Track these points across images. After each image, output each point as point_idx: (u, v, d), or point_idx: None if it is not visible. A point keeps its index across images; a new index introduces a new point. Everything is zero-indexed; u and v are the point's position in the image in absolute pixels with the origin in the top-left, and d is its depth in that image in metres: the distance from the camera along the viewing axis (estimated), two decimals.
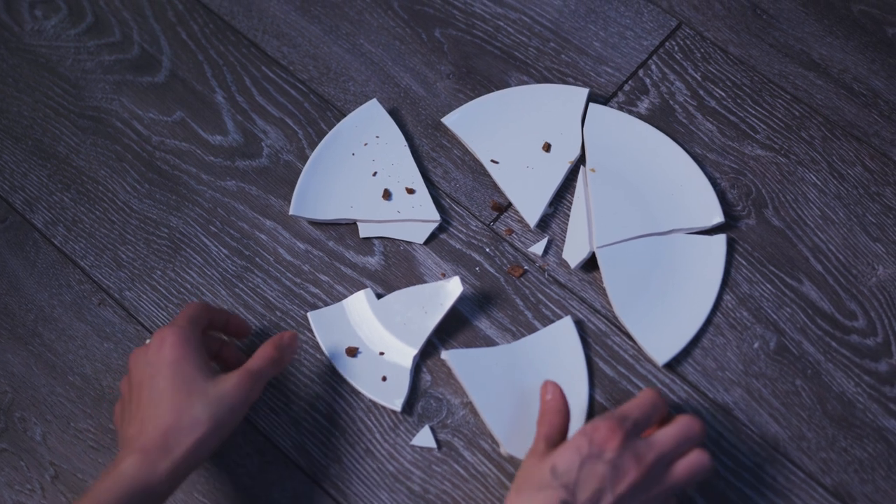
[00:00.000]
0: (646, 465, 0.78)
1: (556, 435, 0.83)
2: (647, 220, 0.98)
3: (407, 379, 0.92)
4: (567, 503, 0.75)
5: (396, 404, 0.91)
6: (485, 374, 0.91)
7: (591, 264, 0.97)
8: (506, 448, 0.88)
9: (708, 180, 0.99)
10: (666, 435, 0.80)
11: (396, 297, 0.95)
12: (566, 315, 0.95)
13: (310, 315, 0.95)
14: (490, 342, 0.94)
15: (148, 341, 0.90)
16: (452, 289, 0.93)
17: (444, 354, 0.92)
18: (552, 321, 0.95)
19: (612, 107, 1.05)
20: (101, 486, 0.76)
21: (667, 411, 0.84)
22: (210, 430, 0.79)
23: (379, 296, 0.96)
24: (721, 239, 0.97)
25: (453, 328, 0.95)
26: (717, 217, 0.97)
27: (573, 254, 0.97)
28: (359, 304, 0.95)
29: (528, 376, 0.91)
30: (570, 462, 0.77)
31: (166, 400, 0.79)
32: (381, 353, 0.93)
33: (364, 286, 0.97)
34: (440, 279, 0.98)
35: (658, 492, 0.79)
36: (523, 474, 0.80)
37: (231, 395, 0.81)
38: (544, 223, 1.00)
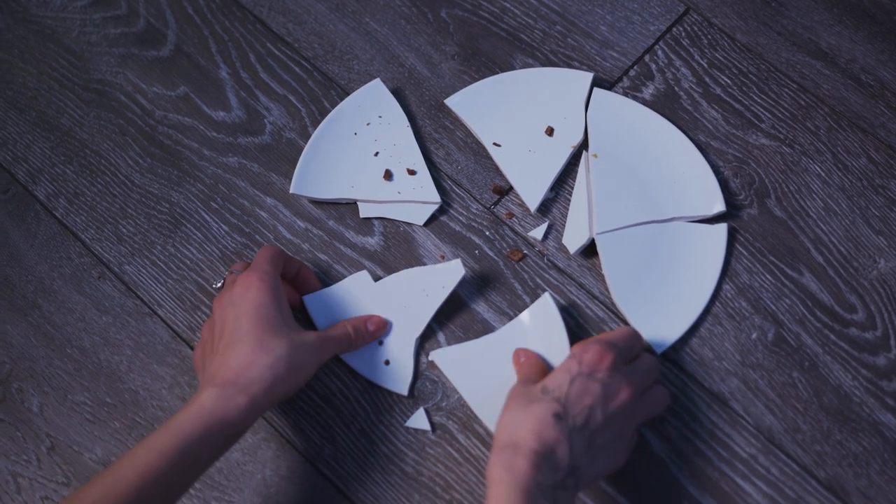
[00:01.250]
0: (634, 388, 0.80)
1: (535, 376, 0.83)
2: (648, 207, 0.96)
3: (411, 363, 0.91)
4: (559, 416, 0.75)
5: (403, 389, 0.90)
6: (473, 368, 0.89)
7: (590, 250, 0.96)
8: None
9: (711, 169, 0.97)
10: (642, 365, 0.83)
11: (396, 280, 0.94)
12: (545, 292, 0.92)
13: (304, 298, 0.93)
14: (487, 326, 0.93)
15: (217, 284, 0.94)
16: (455, 271, 0.91)
17: (432, 355, 0.90)
18: None
19: (616, 92, 1.03)
20: (180, 417, 0.76)
21: (642, 349, 0.86)
22: (286, 370, 0.79)
23: (376, 277, 0.94)
24: (722, 228, 0.95)
25: (451, 311, 0.93)
26: (719, 206, 0.95)
27: (573, 239, 0.95)
28: (355, 286, 0.93)
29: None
30: (561, 380, 0.78)
31: (249, 338, 0.80)
32: (380, 342, 0.91)
33: (363, 266, 0.96)
34: (439, 261, 0.96)
35: (637, 418, 0.82)
36: (510, 396, 0.80)
37: (309, 346, 0.82)
38: (545, 208, 0.98)
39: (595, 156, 0.98)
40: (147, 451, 0.74)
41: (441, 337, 0.92)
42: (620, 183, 0.97)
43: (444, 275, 0.92)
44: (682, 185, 0.97)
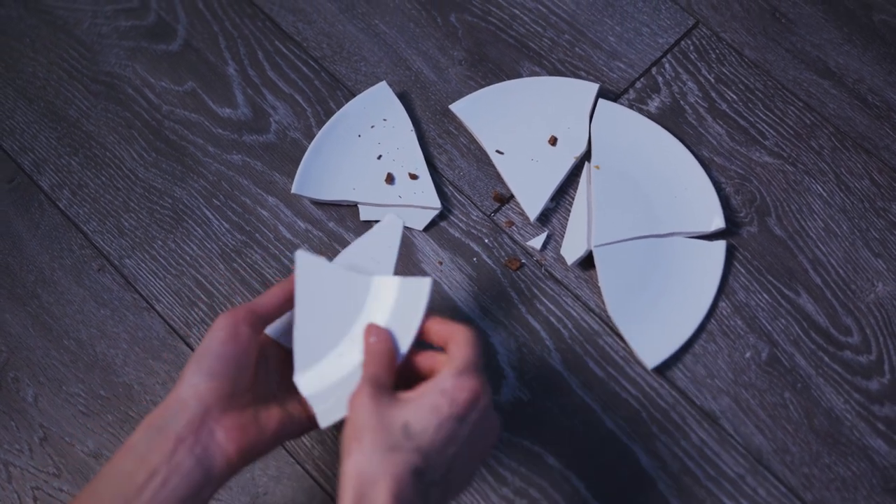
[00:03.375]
0: (500, 423, 0.71)
1: (384, 377, 0.70)
2: (648, 221, 0.94)
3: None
4: (420, 472, 0.64)
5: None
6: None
7: (588, 262, 0.94)
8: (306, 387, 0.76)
9: (712, 185, 0.95)
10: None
11: (341, 262, 0.82)
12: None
13: None
14: (482, 334, 0.91)
15: None
16: (393, 226, 0.81)
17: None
18: (545, 316, 0.92)
19: (622, 104, 1.01)
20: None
21: None
22: (190, 371, 0.72)
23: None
24: (721, 245, 0.93)
25: (446, 316, 0.92)
26: (719, 222, 0.93)
27: (571, 251, 0.94)
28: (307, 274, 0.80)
29: None
30: (427, 422, 0.66)
31: None
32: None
33: None
34: (437, 267, 0.94)
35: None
36: (362, 424, 0.66)
37: (209, 336, 0.73)
38: (545, 217, 0.97)
39: (597, 167, 0.96)
40: None
41: None
42: (621, 195, 0.95)
43: (385, 235, 0.82)
44: (682, 200, 0.95)
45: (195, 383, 0.71)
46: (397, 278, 0.78)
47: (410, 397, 0.68)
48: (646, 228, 0.94)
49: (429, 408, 0.66)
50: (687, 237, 0.94)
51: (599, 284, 0.92)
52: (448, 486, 0.67)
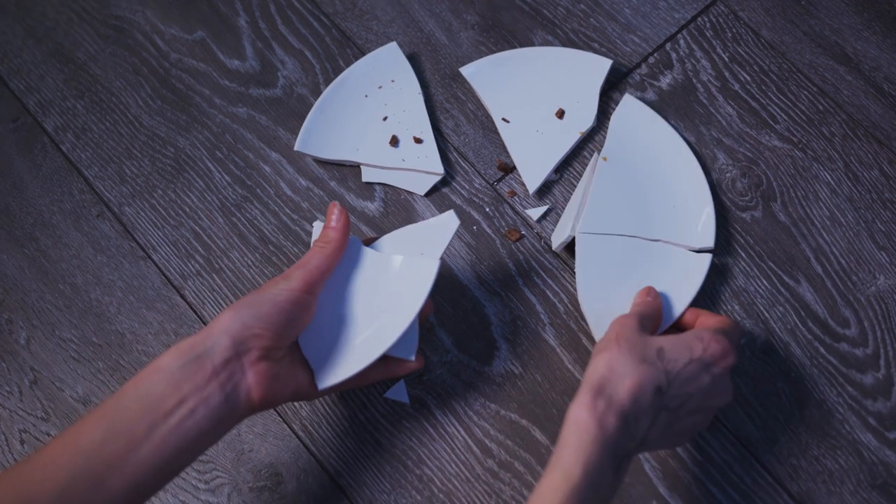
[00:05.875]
0: (733, 393, 0.76)
1: (649, 317, 0.80)
2: (639, 223, 0.89)
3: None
4: (660, 391, 0.70)
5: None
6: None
7: None
8: None
9: (713, 203, 0.89)
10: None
11: (387, 245, 0.81)
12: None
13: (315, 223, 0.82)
14: (476, 303, 0.88)
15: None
16: (448, 224, 0.79)
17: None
18: (542, 290, 0.88)
19: (633, 78, 0.97)
20: None
21: None
22: (244, 308, 0.70)
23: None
24: (706, 259, 0.87)
25: (441, 284, 0.89)
26: (708, 242, 0.88)
27: (558, 236, 0.90)
28: (345, 253, 0.81)
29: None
30: (680, 355, 0.73)
31: None
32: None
33: (359, 231, 0.91)
34: None
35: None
36: (625, 336, 0.74)
37: (281, 285, 0.73)
38: (547, 190, 0.93)
39: (605, 159, 0.91)
40: None
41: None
42: (619, 191, 0.90)
43: (438, 230, 0.80)
44: (679, 212, 0.90)
45: (248, 323, 0.70)
46: (410, 258, 0.78)
47: (668, 336, 0.75)
48: (635, 229, 0.88)
49: (684, 345, 0.73)
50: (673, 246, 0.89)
51: (576, 271, 0.87)
52: (675, 420, 0.72)
